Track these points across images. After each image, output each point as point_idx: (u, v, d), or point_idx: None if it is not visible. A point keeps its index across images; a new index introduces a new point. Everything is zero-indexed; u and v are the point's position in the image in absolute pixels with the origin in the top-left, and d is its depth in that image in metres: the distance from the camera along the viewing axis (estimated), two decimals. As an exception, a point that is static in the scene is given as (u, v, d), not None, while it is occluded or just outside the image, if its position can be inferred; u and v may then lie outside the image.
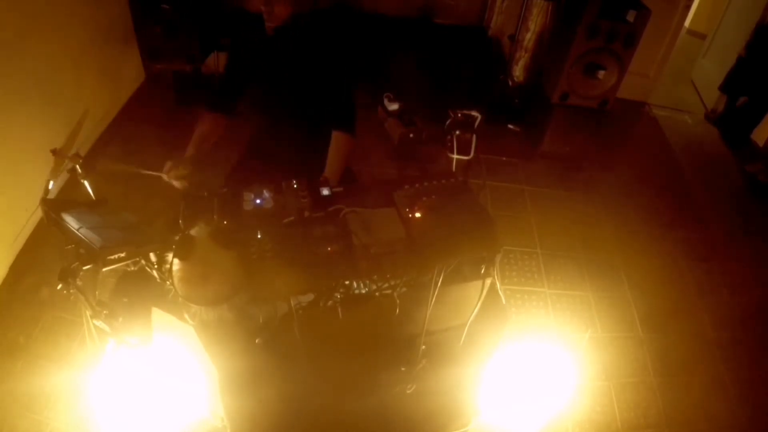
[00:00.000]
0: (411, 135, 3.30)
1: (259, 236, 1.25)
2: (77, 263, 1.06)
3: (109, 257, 1.10)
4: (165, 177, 1.71)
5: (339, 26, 1.93)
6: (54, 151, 1.26)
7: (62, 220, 1.15)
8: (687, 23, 5.05)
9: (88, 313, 1.13)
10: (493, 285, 1.44)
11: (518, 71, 3.90)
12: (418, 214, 1.34)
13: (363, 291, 1.28)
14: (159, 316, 1.31)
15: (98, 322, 1.16)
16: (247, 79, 2.00)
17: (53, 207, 1.18)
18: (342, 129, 1.94)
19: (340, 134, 1.93)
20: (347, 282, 1.25)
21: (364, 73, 3.50)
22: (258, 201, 1.35)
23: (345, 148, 1.93)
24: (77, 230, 1.11)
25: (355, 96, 1.98)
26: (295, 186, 1.40)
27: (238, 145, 2.16)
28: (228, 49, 2.10)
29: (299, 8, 1.83)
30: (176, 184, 1.73)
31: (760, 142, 3.99)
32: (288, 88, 1.94)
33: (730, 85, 4.09)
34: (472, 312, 1.44)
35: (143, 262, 1.20)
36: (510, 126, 3.82)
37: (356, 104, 1.98)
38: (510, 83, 3.94)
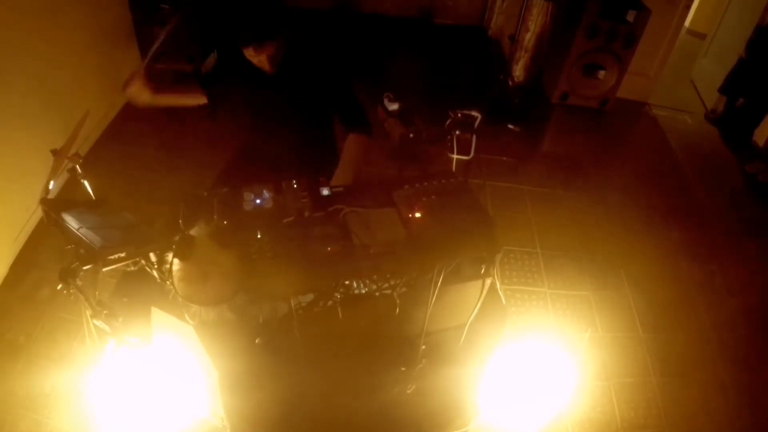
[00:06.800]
0: (411, 135, 3.30)
1: (259, 236, 1.25)
2: (77, 263, 1.06)
3: (109, 257, 1.10)
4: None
5: (334, 33, 1.92)
6: (54, 151, 1.26)
7: (62, 220, 1.15)
8: (687, 23, 5.05)
9: (88, 313, 1.14)
10: (493, 285, 1.44)
11: (518, 71, 3.91)
12: (418, 214, 1.34)
13: (363, 291, 1.28)
14: (159, 316, 1.31)
15: (98, 322, 1.16)
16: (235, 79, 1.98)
17: (53, 207, 1.18)
18: (358, 130, 1.92)
19: (356, 136, 1.92)
20: (347, 282, 1.25)
21: (364, 73, 3.49)
22: (258, 201, 1.35)
23: (360, 149, 1.91)
24: (77, 230, 1.12)
25: (360, 96, 1.97)
26: (295, 186, 1.40)
27: (229, 145, 2.15)
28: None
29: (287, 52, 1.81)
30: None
31: (761, 143, 3.99)
32: (281, 91, 1.93)
33: (730, 86, 4.09)
34: (472, 312, 1.44)
35: (143, 262, 1.20)
36: (510, 126, 3.82)
37: (364, 104, 1.97)
38: (510, 83, 3.94)
